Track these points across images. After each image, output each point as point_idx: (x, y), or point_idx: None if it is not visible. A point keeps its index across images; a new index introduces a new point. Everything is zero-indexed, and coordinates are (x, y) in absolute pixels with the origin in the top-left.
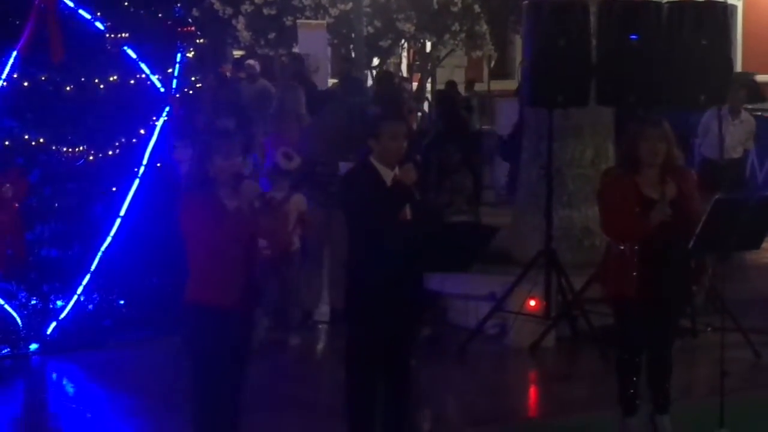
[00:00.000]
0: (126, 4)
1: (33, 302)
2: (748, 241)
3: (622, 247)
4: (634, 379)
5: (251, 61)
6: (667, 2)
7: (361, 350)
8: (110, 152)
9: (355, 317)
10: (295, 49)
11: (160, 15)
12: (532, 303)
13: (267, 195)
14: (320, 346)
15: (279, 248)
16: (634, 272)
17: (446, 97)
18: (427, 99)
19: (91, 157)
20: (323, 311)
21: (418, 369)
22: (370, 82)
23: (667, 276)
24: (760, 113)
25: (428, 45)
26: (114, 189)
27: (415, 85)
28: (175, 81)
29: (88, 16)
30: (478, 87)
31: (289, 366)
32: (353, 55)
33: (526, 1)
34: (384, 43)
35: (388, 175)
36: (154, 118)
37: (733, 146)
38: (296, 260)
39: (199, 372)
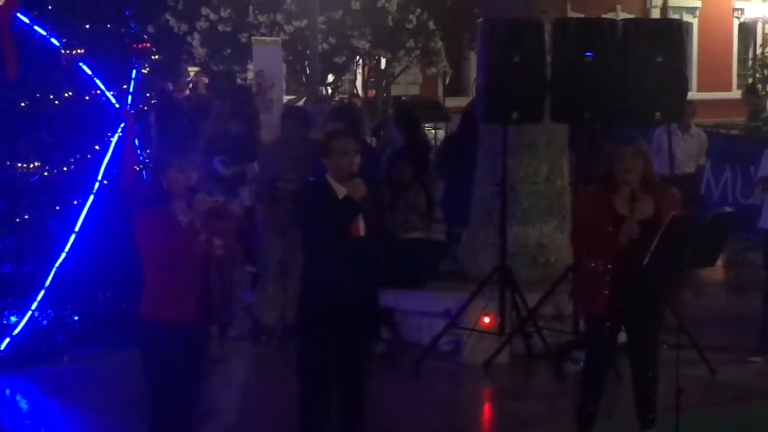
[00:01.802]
0: (81, 20)
1: None
2: (703, 258)
3: (593, 264)
4: (596, 396)
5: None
6: (622, 20)
7: (313, 362)
8: (65, 168)
9: (307, 330)
10: (250, 66)
11: (115, 31)
12: (487, 320)
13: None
14: (273, 360)
15: (227, 248)
16: (605, 290)
17: (406, 113)
18: (382, 115)
19: (45, 173)
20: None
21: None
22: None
23: (639, 294)
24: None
25: (383, 62)
26: (65, 207)
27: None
28: (130, 97)
29: (43, 32)
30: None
31: (243, 380)
32: (308, 71)
33: (481, 19)
34: (339, 60)
35: (341, 190)
36: (109, 134)
37: (684, 161)
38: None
39: (154, 386)
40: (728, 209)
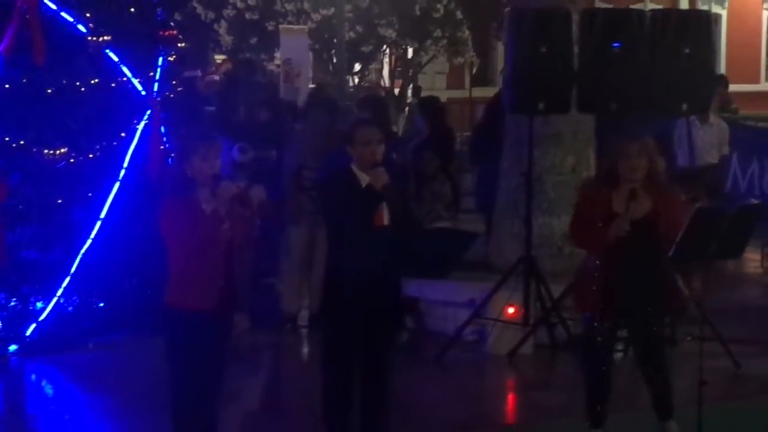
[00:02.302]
0: (108, 7)
1: (12, 304)
2: (728, 250)
3: (587, 260)
4: (600, 394)
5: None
6: (651, 10)
7: (337, 351)
8: (91, 155)
9: (331, 319)
10: (277, 54)
11: (142, 18)
12: (511, 310)
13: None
14: (298, 349)
15: (248, 235)
16: (593, 286)
17: (431, 103)
18: (407, 105)
19: (72, 160)
20: (303, 316)
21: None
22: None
23: (628, 291)
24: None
25: (410, 51)
26: (90, 194)
27: (397, 91)
28: (156, 84)
29: (70, 19)
30: (460, 94)
31: (267, 369)
32: (335, 60)
33: (509, 8)
34: (365, 49)
35: (364, 179)
36: (135, 122)
37: (706, 150)
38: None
39: (178, 374)
40: (754, 201)
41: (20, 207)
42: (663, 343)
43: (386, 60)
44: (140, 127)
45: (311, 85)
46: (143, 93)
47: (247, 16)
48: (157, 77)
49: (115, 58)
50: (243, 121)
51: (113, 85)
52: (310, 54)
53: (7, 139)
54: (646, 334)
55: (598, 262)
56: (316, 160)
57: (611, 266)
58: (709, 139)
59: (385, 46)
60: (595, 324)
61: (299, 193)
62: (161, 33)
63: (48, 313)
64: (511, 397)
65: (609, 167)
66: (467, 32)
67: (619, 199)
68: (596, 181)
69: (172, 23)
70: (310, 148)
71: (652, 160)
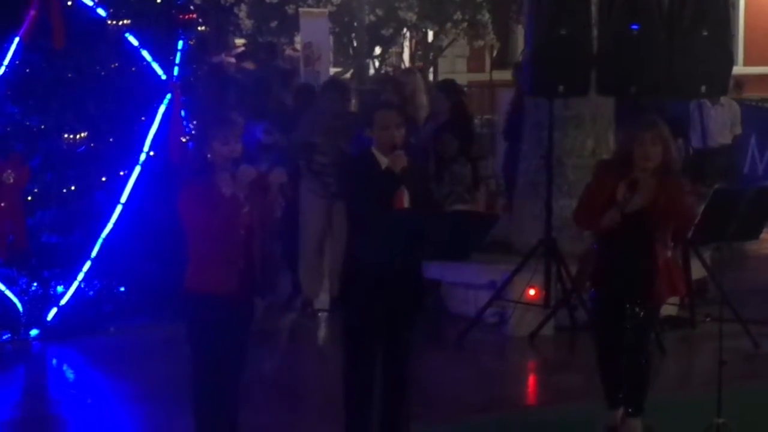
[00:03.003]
0: None
1: (34, 288)
2: (746, 231)
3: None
4: (610, 377)
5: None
6: None
7: (358, 335)
8: (111, 139)
9: (351, 302)
10: (297, 38)
11: (161, 2)
12: (532, 292)
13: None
14: (318, 333)
15: (268, 219)
16: (589, 269)
17: (450, 85)
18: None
19: (92, 144)
20: (323, 300)
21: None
22: (372, 71)
23: (616, 279)
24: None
25: (430, 34)
26: (122, 172)
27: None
28: (176, 68)
29: (90, 3)
30: (481, 77)
31: (287, 352)
32: (355, 44)
33: None
34: (386, 32)
35: (385, 163)
36: (155, 106)
37: (718, 131)
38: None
39: (199, 358)
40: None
41: (41, 191)
42: (645, 340)
43: (406, 44)
44: (160, 110)
45: (333, 69)
46: (163, 77)
47: None
48: (177, 61)
49: (135, 42)
50: (268, 104)
51: (133, 69)
52: (331, 37)
53: (27, 123)
54: (631, 325)
55: (596, 246)
56: (327, 143)
57: (604, 252)
58: (721, 120)
59: (405, 30)
60: (596, 306)
61: (311, 177)
62: (181, 17)
63: (69, 298)
64: (531, 379)
65: (624, 152)
66: (487, 15)
67: (621, 189)
68: (612, 164)
69: (191, 7)
70: (321, 131)
71: (667, 149)
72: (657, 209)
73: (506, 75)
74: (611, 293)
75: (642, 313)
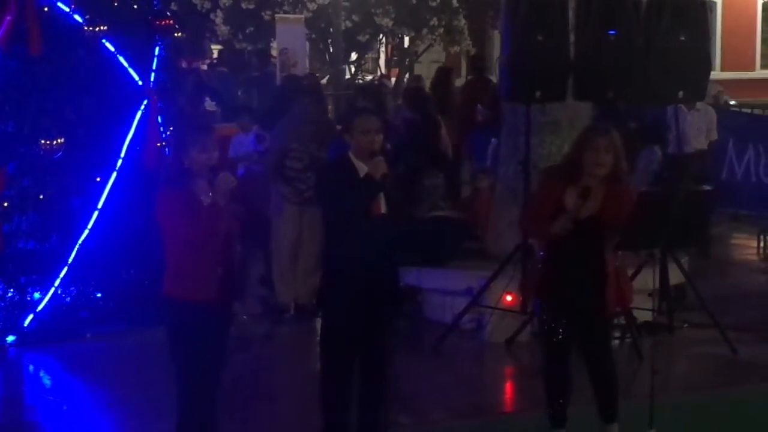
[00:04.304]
0: None
1: (10, 294)
2: (685, 236)
3: (535, 251)
4: (559, 389)
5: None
6: None
7: (336, 340)
8: (88, 145)
9: (330, 308)
10: (273, 44)
11: (138, 8)
12: (509, 298)
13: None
14: (294, 338)
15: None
16: (534, 278)
17: (417, 94)
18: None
19: (69, 150)
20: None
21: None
22: (347, 77)
23: (567, 288)
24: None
25: (406, 40)
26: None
27: (393, 80)
28: (153, 74)
29: (66, 9)
30: (457, 83)
31: (264, 358)
32: (331, 49)
33: None
34: (362, 38)
35: (362, 168)
36: (132, 111)
37: (694, 136)
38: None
39: (180, 364)
40: (707, 187)
41: (18, 197)
42: (609, 348)
43: (382, 49)
44: (137, 117)
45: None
46: (140, 83)
47: (243, 5)
48: (154, 67)
49: (112, 48)
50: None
51: (110, 75)
52: (307, 43)
53: (4, 129)
54: (591, 334)
55: (542, 253)
56: (301, 149)
57: (553, 260)
58: (697, 125)
59: (381, 36)
60: (544, 317)
61: (283, 183)
62: (157, 23)
63: (45, 304)
64: (509, 385)
65: (574, 157)
66: (463, 21)
67: (571, 195)
68: (558, 170)
69: (168, 13)
70: (295, 137)
71: (618, 157)
72: (606, 216)
73: None
74: (562, 303)
75: (598, 322)
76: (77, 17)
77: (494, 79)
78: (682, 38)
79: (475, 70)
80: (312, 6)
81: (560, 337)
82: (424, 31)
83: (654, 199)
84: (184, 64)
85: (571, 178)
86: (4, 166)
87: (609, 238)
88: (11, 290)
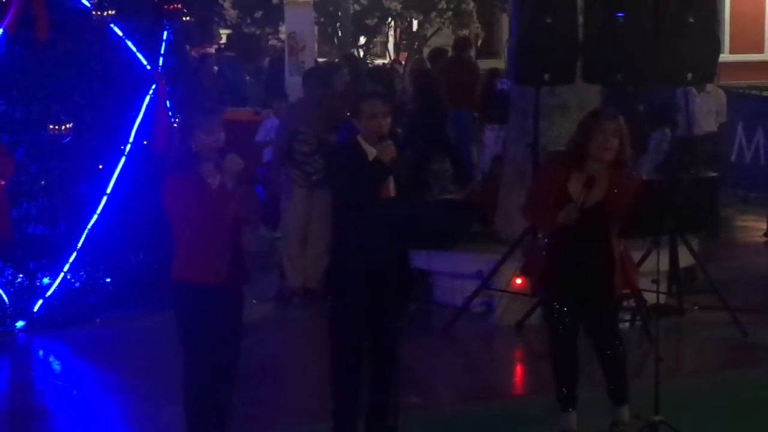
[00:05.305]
0: None
1: (19, 280)
2: (692, 223)
3: (538, 236)
4: (567, 372)
5: None
6: None
7: (346, 324)
8: (96, 129)
9: (339, 292)
10: (282, 28)
11: None
12: (519, 281)
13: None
14: (304, 321)
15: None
16: (540, 265)
17: (422, 74)
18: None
19: (77, 135)
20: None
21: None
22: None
23: (573, 275)
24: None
25: (415, 23)
26: (101, 166)
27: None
28: (161, 59)
29: None
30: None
31: (275, 342)
32: (340, 33)
33: None
34: (370, 22)
35: (371, 152)
36: (141, 96)
37: (704, 118)
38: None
39: (190, 348)
40: (712, 173)
41: (26, 183)
42: (617, 332)
43: (391, 33)
44: (145, 101)
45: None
46: (148, 67)
47: None
48: (162, 51)
49: (120, 33)
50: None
51: (118, 59)
52: (315, 28)
53: (12, 114)
54: (599, 317)
55: (546, 240)
56: (309, 132)
57: (558, 247)
58: (706, 107)
59: (390, 19)
60: (550, 303)
61: (292, 166)
62: (166, 7)
63: (55, 289)
64: (519, 368)
65: (580, 142)
66: (472, 4)
67: (576, 183)
68: (562, 156)
69: None
70: (303, 120)
71: (623, 144)
72: (611, 202)
73: (491, 64)
74: (568, 289)
75: (605, 306)
76: (85, 1)
77: (503, 62)
78: (691, 20)
79: (456, 49)
80: None
81: (566, 321)
82: (433, 14)
83: (659, 188)
84: (196, 51)
85: (576, 164)
86: (13, 151)
87: (614, 223)
88: (21, 276)
